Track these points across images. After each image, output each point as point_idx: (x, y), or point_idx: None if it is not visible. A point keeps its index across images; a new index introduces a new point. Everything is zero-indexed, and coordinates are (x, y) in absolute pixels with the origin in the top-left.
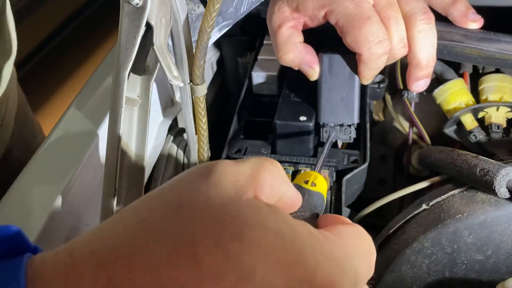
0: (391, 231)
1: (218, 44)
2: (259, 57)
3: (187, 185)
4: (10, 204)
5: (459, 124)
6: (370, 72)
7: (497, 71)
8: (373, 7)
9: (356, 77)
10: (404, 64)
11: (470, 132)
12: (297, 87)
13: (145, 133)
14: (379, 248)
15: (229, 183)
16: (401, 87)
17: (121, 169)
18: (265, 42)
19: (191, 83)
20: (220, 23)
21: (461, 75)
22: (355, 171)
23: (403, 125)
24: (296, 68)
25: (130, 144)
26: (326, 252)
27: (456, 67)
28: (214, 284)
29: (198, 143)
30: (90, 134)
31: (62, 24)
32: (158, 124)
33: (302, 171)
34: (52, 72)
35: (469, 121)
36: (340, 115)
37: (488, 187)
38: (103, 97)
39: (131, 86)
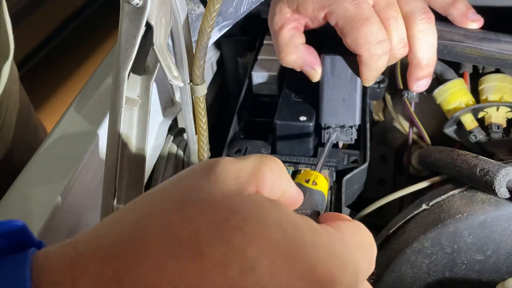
0: (391, 231)
1: (218, 44)
2: (259, 57)
3: (189, 181)
4: (10, 204)
5: (459, 124)
6: (371, 73)
7: (497, 71)
8: (373, 8)
9: (358, 78)
10: (404, 64)
11: (470, 132)
12: (297, 87)
13: (145, 133)
14: (379, 248)
15: (231, 179)
16: (401, 87)
17: (121, 169)
18: (265, 42)
19: (191, 83)
20: (220, 23)
21: (461, 75)
22: (355, 171)
23: (403, 125)
24: (298, 70)
25: (130, 144)
26: (327, 246)
27: (456, 67)
28: (217, 275)
29: (198, 143)
30: (90, 134)
31: (62, 24)
32: (158, 124)
33: (302, 171)
34: (52, 72)
35: (469, 121)
36: (342, 116)
37: (488, 187)
38: (103, 97)
39: (131, 86)
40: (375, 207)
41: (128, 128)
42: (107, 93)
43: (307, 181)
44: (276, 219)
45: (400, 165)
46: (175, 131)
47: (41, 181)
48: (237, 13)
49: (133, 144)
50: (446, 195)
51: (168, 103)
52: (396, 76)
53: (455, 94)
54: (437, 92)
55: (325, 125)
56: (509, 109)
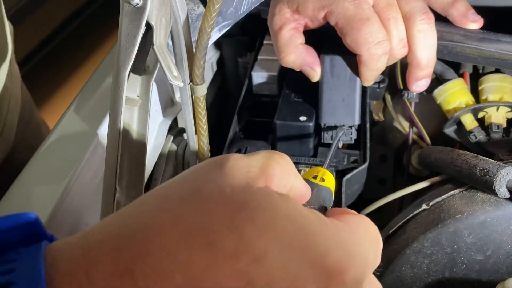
0: (391, 231)
1: (218, 44)
2: (259, 57)
3: (200, 176)
4: (10, 204)
5: (459, 124)
6: (370, 73)
7: (497, 71)
8: (373, 8)
9: (358, 78)
10: (404, 64)
11: (470, 132)
12: (297, 87)
13: (145, 133)
14: None
15: (241, 174)
16: (401, 87)
17: (121, 169)
18: (265, 42)
19: (191, 83)
20: (220, 23)
21: (461, 75)
22: (355, 171)
23: (403, 125)
24: (298, 70)
25: (130, 144)
26: (336, 237)
27: (456, 67)
28: (228, 265)
29: (198, 143)
30: (90, 134)
31: (62, 24)
32: (158, 124)
33: (302, 172)
34: (52, 72)
35: (469, 121)
36: (341, 116)
37: (488, 187)
38: (103, 97)
39: (131, 86)
40: (375, 207)
41: (128, 128)
42: (107, 93)
43: (315, 178)
44: (286, 211)
45: (400, 165)
46: (175, 131)
47: (41, 181)
48: (237, 13)
49: (133, 144)
50: (446, 195)
51: (168, 103)
52: (396, 76)
53: (455, 94)
54: (437, 92)
55: (324, 125)
56: (509, 109)
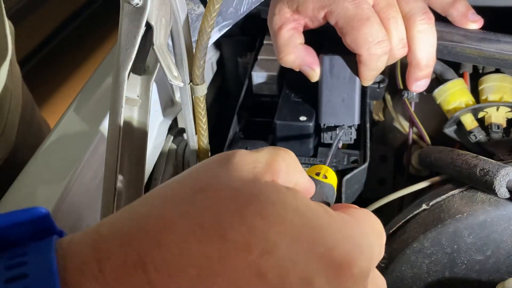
0: (391, 231)
1: (218, 44)
2: (259, 57)
3: (207, 171)
4: (10, 204)
5: (459, 124)
6: (370, 73)
7: (497, 71)
8: (373, 8)
9: (357, 78)
10: (404, 64)
11: (470, 132)
12: (297, 87)
13: (145, 133)
14: None
15: (247, 168)
16: (401, 87)
17: (121, 169)
18: (265, 42)
19: (191, 83)
20: (220, 23)
21: (461, 75)
22: (355, 171)
23: (403, 125)
24: (297, 70)
25: (130, 144)
26: (343, 230)
27: (456, 67)
28: (239, 257)
29: (198, 143)
30: (90, 134)
31: (62, 24)
32: (158, 124)
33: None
34: (52, 72)
35: (469, 121)
36: (341, 116)
37: (488, 187)
38: (103, 97)
39: (131, 86)
40: (375, 207)
41: (128, 128)
42: (107, 93)
43: (317, 174)
44: (294, 204)
45: (400, 165)
46: (175, 131)
47: (41, 181)
48: (237, 13)
49: (133, 144)
50: (446, 195)
51: (168, 103)
52: (396, 76)
53: (455, 94)
54: (437, 92)
55: (324, 125)
56: (509, 109)
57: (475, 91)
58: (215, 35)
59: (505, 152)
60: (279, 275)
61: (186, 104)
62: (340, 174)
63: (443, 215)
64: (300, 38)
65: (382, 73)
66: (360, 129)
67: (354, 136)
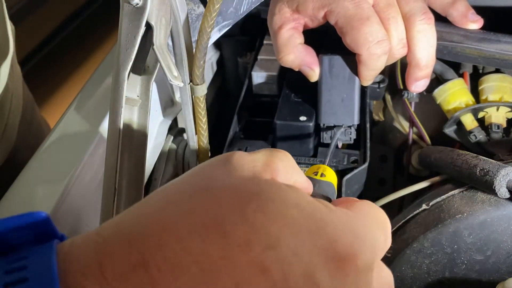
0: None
1: (218, 44)
2: (259, 57)
3: (208, 172)
4: (10, 204)
5: (459, 124)
6: (369, 73)
7: (497, 71)
8: (373, 8)
9: (356, 78)
10: (404, 64)
11: (470, 132)
12: (297, 87)
13: (145, 133)
14: None
15: (247, 168)
16: (401, 87)
17: (121, 169)
18: (265, 42)
19: (191, 83)
20: (220, 23)
21: (461, 75)
22: (355, 171)
23: (403, 125)
24: (297, 69)
25: (130, 144)
26: (345, 223)
27: (456, 67)
28: (241, 254)
29: (198, 143)
30: (90, 134)
31: (62, 24)
32: (158, 124)
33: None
34: (52, 72)
35: (469, 121)
36: (340, 116)
37: (488, 187)
38: (103, 97)
39: (131, 86)
40: None
41: (128, 128)
42: (107, 93)
43: (315, 174)
44: (295, 200)
45: (400, 165)
46: (175, 131)
47: (41, 181)
48: (237, 13)
49: (133, 144)
50: (446, 195)
51: (168, 103)
52: (396, 76)
53: (455, 94)
54: (437, 92)
55: (323, 125)
56: (509, 109)
57: (475, 91)
58: (215, 35)
59: (505, 152)
60: (282, 270)
61: (186, 104)
62: (340, 174)
63: (443, 215)
64: (300, 38)
65: (382, 73)
66: (360, 129)
67: (354, 136)
